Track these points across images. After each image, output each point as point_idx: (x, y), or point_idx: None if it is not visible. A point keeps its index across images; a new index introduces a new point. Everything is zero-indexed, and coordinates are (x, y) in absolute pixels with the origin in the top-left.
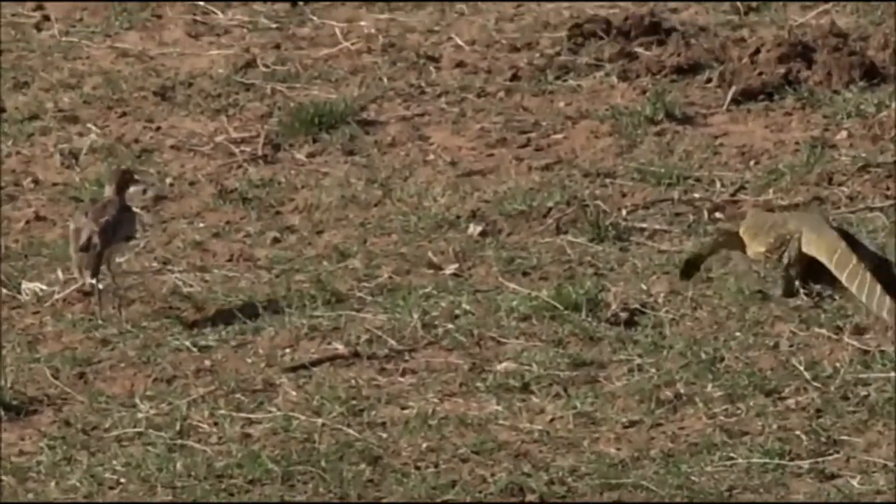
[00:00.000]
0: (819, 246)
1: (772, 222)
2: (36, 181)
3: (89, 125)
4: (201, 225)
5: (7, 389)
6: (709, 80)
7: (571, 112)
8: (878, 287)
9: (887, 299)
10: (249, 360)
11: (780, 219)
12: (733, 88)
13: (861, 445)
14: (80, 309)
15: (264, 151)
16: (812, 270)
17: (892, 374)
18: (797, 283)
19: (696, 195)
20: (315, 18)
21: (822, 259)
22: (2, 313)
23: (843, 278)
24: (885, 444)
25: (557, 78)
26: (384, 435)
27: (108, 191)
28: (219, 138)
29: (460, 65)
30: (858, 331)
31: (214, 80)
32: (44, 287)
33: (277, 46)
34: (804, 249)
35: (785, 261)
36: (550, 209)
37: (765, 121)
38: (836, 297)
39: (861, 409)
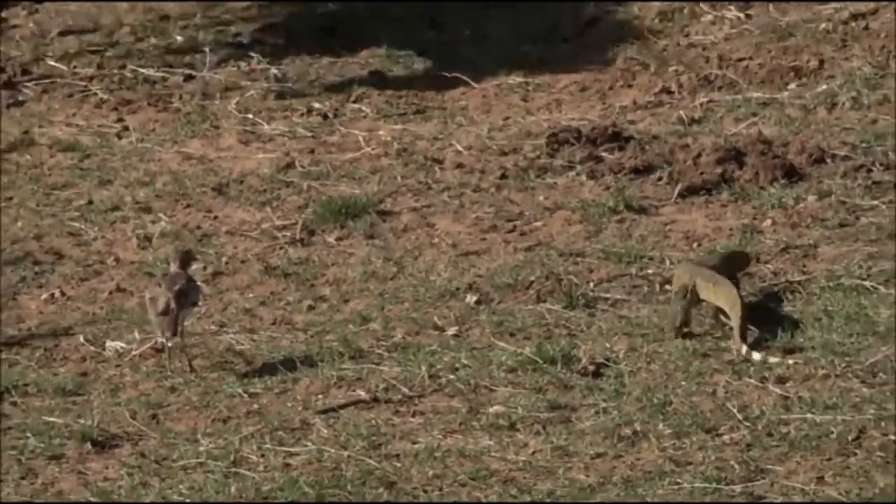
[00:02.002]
0: (717, 294)
1: (679, 273)
2: (117, 259)
3: (160, 214)
4: (250, 295)
5: (94, 428)
6: (660, 179)
7: (549, 204)
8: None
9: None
10: (289, 404)
11: (683, 271)
12: (679, 185)
13: (783, 473)
14: (153, 363)
15: (301, 236)
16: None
17: (808, 415)
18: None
19: (650, 271)
20: (342, 129)
21: (722, 304)
22: (90, 367)
23: (735, 319)
24: (802, 471)
25: (538, 177)
26: (398, 465)
27: (174, 266)
28: (265, 225)
29: (460, 166)
30: (780, 380)
31: (261, 178)
32: (124, 345)
33: (312, 151)
34: (702, 296)
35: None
36: (532, 282)
37: (705, 211)
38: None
39: (783, 444)
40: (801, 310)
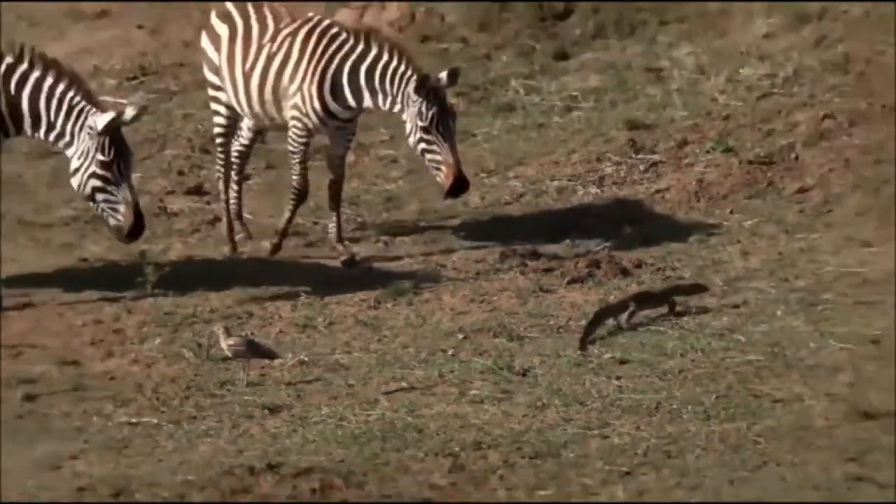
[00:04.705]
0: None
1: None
2: None
3: None
4: (348, 335)
5: (268, 402)
6: (557, 274)
7: (500, 288)
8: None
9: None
10: (369, 390)
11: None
12: (566, 278)
13: (618, 425)
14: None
15: (374, 304)
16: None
17: (632, 395)
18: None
19: (551, 322)
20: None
21: None
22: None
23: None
24: (629, 423)
25: (494, 274)
26: (422, 419)
27: None
28: (360, 295)
29: (455, 269)
30: (618, 378)
31: (358, 276)
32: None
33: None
34: None
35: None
36: (492, 328)
37: (580, 293)
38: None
39: (618, 409)
40: (627, 341)
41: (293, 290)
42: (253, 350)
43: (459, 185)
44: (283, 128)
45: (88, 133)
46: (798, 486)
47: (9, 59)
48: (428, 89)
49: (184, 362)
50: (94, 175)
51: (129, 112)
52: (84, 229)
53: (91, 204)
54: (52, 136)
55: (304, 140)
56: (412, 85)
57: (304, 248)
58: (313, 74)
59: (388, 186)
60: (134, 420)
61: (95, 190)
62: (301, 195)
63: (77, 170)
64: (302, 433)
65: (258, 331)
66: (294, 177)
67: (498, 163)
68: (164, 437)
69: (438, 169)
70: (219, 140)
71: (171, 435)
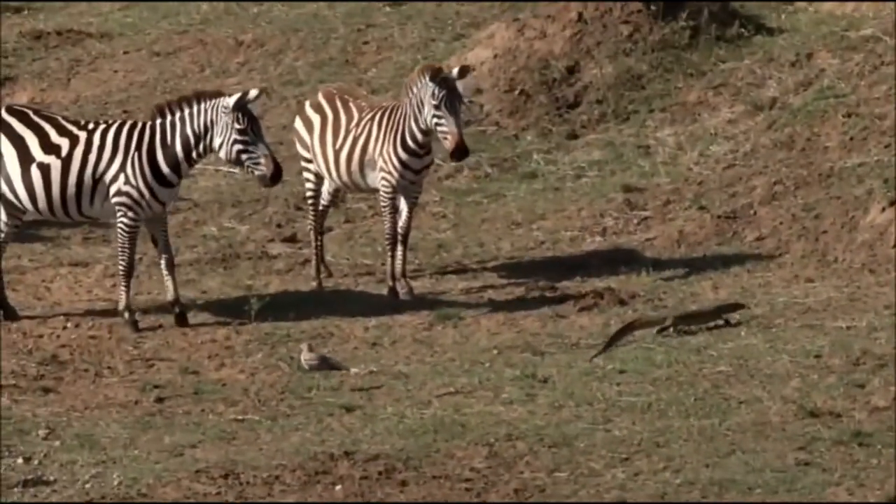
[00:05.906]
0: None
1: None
2: None
3: None
4: (412, 349)
5: (352, 399)
6: (571, 303)
7: (527, 313)
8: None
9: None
10: (423, 392)
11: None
12: (577, 305)
13: (619, 421)
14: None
15: (427, 326)
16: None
17: (626, 397)
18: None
19: (569, 341)
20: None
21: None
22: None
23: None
24: (627, 421)
25: (525, 298)
26: (463, 416)
27: None
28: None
29: (491, 300)
30: (617, 383)
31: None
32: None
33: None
34: None
35: None
36: (519, 345)
37: (588, 317)
38: None
39: (617, 409)
40: (625, 355)
41: (365, 315)
42: (325, 363)
43: (460, 150)
44: (363, 191)
45: (223, 112)
46: (759, 469)
47: (159, 121)
48: (440, 78)
49: (280, 372)
50: (235, 142)
51: (253, 93)
52: (204, 269)
53: (239, 167)
54: (203, 145)
55: (391, 195)
56: (426, 87)
57: (373, 284)
58: (390, 141)
59: (438, 235)
60: (240, 417)
61: (239, 153)
62: (394, 240)
63: (222, 144)
64: (371, 427)
65: (337, 347)
66: (386, 225)
67: (524, 218)
68: (263, 430)
69: (445, 138)
70: (309, 200)
71: (269, 429)
